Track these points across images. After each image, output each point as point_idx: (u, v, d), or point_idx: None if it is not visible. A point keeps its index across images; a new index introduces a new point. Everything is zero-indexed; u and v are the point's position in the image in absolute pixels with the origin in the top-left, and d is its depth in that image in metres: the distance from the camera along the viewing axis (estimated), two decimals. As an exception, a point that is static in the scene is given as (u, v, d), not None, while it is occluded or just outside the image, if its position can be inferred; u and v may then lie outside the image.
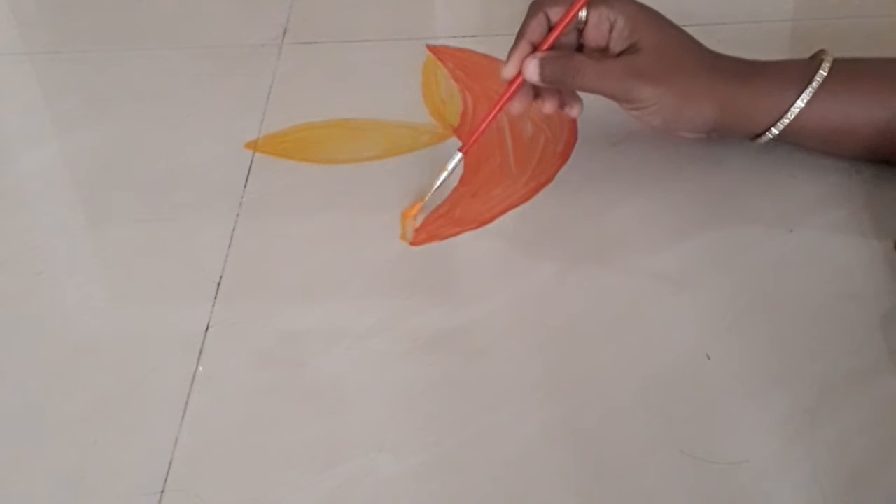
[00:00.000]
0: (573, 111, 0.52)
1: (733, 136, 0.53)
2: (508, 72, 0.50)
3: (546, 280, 0.48)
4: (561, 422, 0.41)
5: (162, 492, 0.40)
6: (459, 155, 0.52)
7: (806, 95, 0.49)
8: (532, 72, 0.49)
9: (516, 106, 0.51)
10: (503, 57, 0.50)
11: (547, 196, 0.54)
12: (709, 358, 0.43)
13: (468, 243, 0.51)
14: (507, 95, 0.50)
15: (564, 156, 0.56)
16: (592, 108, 0.52)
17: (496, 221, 0.52)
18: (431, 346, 0.45)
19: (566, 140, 0.57)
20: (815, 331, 0.44)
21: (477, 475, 0.40)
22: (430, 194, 0.52)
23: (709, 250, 0.49)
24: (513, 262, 0.50)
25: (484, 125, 0.51)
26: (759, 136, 0.51)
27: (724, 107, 0.49)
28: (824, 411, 0.41)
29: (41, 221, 0.55)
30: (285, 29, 0.71)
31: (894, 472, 0.38)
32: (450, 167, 0.52)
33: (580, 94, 0.52)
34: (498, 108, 0.51)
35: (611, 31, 0.49)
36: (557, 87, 0.51)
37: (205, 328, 0.47)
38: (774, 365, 0.43)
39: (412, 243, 0.51)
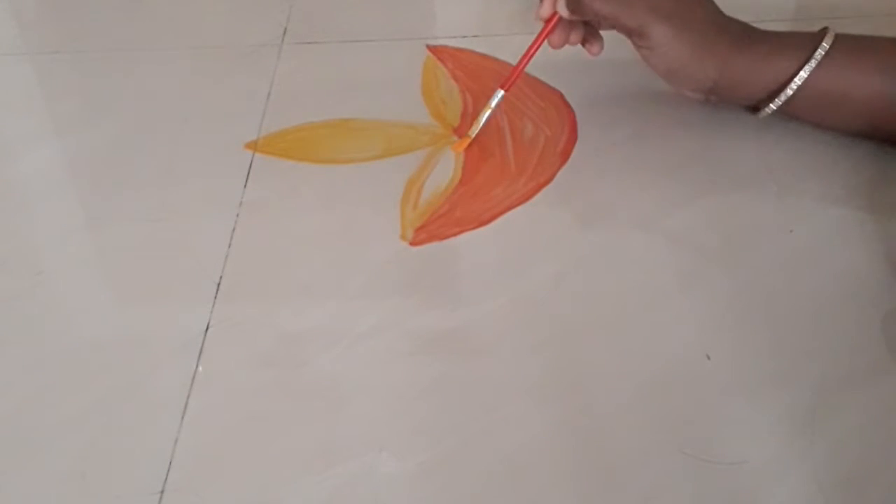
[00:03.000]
0: (593, 48, 0.56)
1: (732, 101, 0.54)
2: (545, 11, 0.54)
3: (546, 280, 0.48)
4: (561, 422, 0.41)
5: (162, 492, 0.40)
6: (501, 92, 0.56)
7: (809, 67, 0.49)
8: (560, 5, 0.53)
9: (555, 40, 0.55)
10: (503, 57, 0.50)
11: (547, 196, 0.54)
12: (709, 358, 0.43)
13: (468, 243, 0.51)
14: (545, 33, 0.55)
15: (564, 156, 0.56)
16: (592, 108, 0.52)
17: (496, 221, 0.52)
18: (431, 346, 0.45)
19: (566, 140, 0.57)
20: (815, 331, 0.44)
21: (477, 475, 0.40)
22: (475, 129, 0.56)
23: (709, 250, 0.49)
24: (512, 262, 0.50)
25: (524, 61, 0.55)
26: (759, 107, 0.51)
27: (725, 68, 0.51)
28: (824, 411, 0.41)
29: (41, 221, 0.55)
30: (285, 29, 0.71)
31: (894, 472, 0.38)
32: (493, 104, 0.56)
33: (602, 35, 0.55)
34: (536, 45, 0.55)
35: None
36: (581, 18, 0.54)
37: (205, 328, 0.47)
38: (774, 365, 0.43)
39: (412, 243, 0.51)
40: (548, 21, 0.55)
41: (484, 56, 0.66)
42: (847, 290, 0.46)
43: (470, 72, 0.64)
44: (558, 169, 0.55)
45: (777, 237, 0.49)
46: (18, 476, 0.41)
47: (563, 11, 0.53)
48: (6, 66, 0.70)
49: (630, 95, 0.51)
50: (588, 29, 0.56)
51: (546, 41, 0.56)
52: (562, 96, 0.60)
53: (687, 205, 0.52)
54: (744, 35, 0.52)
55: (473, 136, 0.56)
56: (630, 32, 0.52)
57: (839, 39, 0.50)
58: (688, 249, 0.49)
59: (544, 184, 0.54)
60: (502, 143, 0.57)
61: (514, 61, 0.52)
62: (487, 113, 0.56)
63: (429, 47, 0.67)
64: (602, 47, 0.56)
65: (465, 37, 0.68)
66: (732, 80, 0.51)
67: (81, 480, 0.40)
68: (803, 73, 0.50)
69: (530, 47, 0.55)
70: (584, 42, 0.56)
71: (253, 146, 0.59)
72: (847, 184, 0.52)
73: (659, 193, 0.53)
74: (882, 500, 0.38)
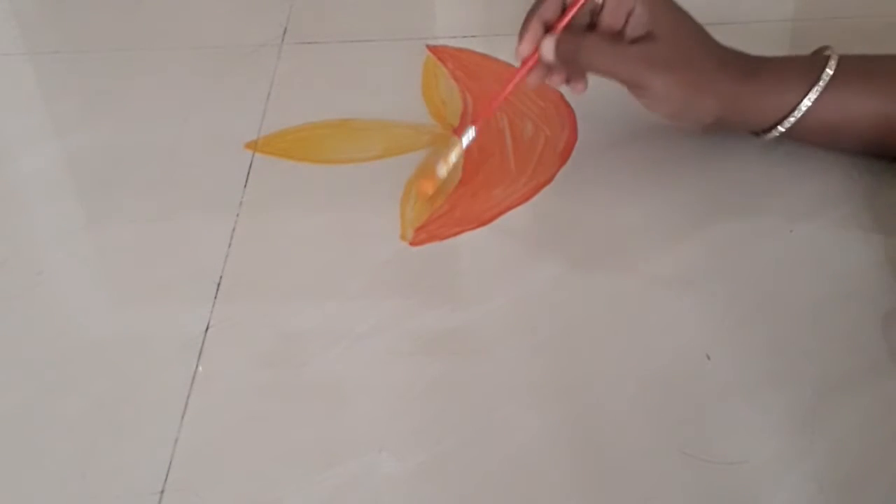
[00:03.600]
0: (578, 87, 0.53)
1: (735, 130, 0.53)
2: (525, 49, 0.51)
3: (546, 280, 0.48)
4: (561, 422, 0.41)
5: (162, 492, 0.40)
6: (473, 129, 0.52)
7: (813, 94, 0.49)
8: (548, 50, 0.50)
9: (532, 80, 0.52)
10: (503, 57, 0.50)
11: (547, 196, 0.54)
12: (709, 358, 0.43)
13: (468, 243, 0.51)
14: (523, 73, 0.51)
15: (564, 156, 0.56)
16: (592, 108, 0.52)
17: (496, 221, 0.52)
18: (431, 347, 0.45)
19: (566, 140, 0.57)
20: (814, 331, 0.44)
21: (477, 475, 0.40)
22: (444, 169, 0.52)
23: (709, 250, 0.49)
24: (513, 262, 0.50)
25: (498, 100, 0.52)
26: (764, 132, 0.51)
27: (728, 103, 0.50)
28: (824, 411, 0.41)
29: (41, 221, 0.55)
30: (285, 29, 0.71)
31: (894, 472, 0.38)
32: (464, 142, 0.52)
33: (590, 76, 0.52)
34: (513, 84, 0.51)
35: (628, 16, 0.49)
36: (569, 67, 0.51)
37: (205, 328, 0.47)
38: (774, 365, 0.43)
39: (412, 243, 0.51)
40: (526, 60, 0.51)
41: (484, 56, 0.66)
42: (847, 291, 0.46)
43: (470, 72, 0.64)
44: (558, 169, 0.55)
45: (777, 237, 0.49)
46: (18, 476, 0.41)
47: (548, 55, 0.50)
48: (6, 66, 0.70)
49: (630, 95, 0.51)
50: (573, 70, 0.52)
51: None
52: (562, 96, 0.60)
53: (687, 204, 0.52)
54: (744, 66, 0.50)
55: (442, 177, 0.52)
56: (628, 85, 0.50)
57: (842, 63, 0.49)
58: (688, 249, 0.49)
59: (544, 184, 0.54)
60: (502, 143, 0.57)
61: (513, 61, 0.52)
62: (458, 152, 0.52)
63: (429, 47, 0.67)
64: (586, 86, 0.52)
65: (465, 37, 0.68)
66: (735, 113, 0.50)
67: (81, 480, 0.40)
68: (807, 101, 0.49)
69: (506, 85, 0.51)
70: (567, 80, 0.52)
71: (253, 146, 0.59)
72: (847, 184, 0.52)
73: (659, 194, 0.53)
74: (882, 500, 0.38)
